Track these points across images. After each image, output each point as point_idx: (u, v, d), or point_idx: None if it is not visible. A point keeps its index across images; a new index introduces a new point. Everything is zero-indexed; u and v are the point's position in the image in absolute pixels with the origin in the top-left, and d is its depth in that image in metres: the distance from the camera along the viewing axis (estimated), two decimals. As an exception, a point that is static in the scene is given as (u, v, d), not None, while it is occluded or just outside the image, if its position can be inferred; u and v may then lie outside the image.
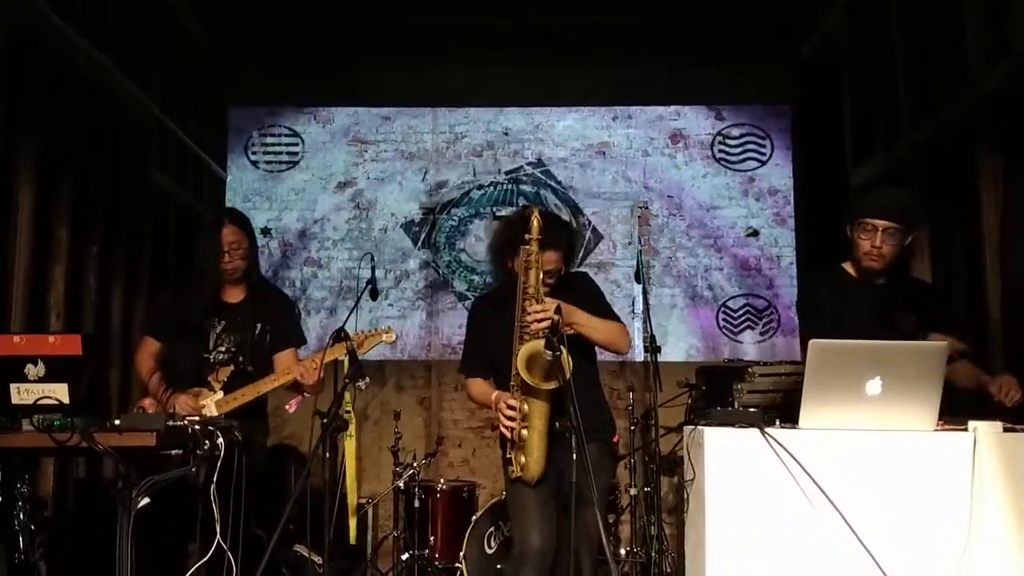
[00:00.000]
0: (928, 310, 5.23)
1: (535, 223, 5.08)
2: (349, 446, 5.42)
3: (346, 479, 5.40)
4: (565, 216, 10.19)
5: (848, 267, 5.40)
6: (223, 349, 5.92)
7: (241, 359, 5.90)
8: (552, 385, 4.87)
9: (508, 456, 5.28)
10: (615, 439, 5.82)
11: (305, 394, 5.85)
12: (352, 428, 5.35)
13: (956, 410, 4.64)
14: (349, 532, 5.35)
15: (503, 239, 5.40)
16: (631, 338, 5.67)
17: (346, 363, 5.34)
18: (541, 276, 5.13)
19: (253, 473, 5.21)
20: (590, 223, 11.06)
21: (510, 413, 5.13)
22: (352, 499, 5.47)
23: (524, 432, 5.09)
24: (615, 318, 5.53)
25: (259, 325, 5.98)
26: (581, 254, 10.58)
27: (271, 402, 6.08)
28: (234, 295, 6.05)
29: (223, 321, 5.96)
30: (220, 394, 5.70)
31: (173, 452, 4.67)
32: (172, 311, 6.02)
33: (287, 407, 5.95)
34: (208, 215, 6.24)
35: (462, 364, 5.75)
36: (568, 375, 4.78)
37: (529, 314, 5.02)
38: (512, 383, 5.16)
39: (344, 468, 5.52)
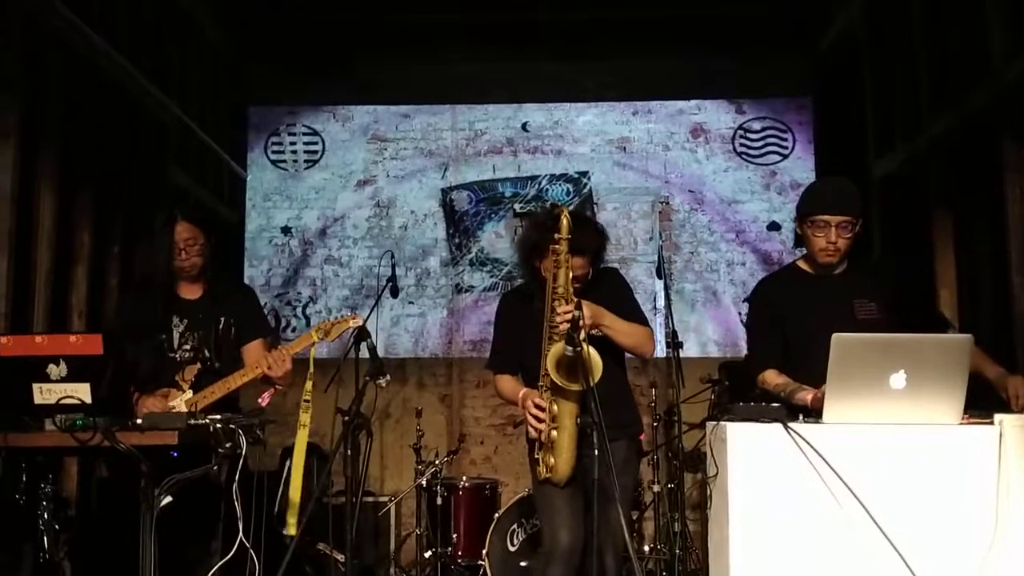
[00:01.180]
0: (888, 294, 5.19)
1: (565, 223, 5.04)
2: (301, 436, 5.37)
3: (291, 473, 5.36)
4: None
5: (803, 264, 5.35)
6: (188, 347, 5.77)
7: (207, 356, 5.77)
8: (581, 386, 4.84)
9: (536, 456, 5.27)
10: (641, 437, 5.80)
11: (277, 387, 5.70)
12: (305, 418, 5.32)
13: (975, 400, 4.60)
14: (287, 526, 5.28)
15: (532, 239, 5.37)
16: (655, 343, 5.63)
17: (313, 357, 5.35)
18: (570, 277, 5.10)
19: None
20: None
21: (538, 413, 5.12)
22: (295, 492, 5.40)
23: (554, 433, 5.08)
24: (642, 318, 5.51)
25: (222, 319, 5.84)
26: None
27: (290, 401, 6.04)
28: (192, 291, 5.89)
29: (185, 319, 5.80)
30: (189, 393, 5.54)
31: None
32: (131, 314, 5.89)
33: (260, 400, 5.87)
34: (162, 212, 6.10)
35: (490, 360, 5.73)
36: (598, 375, 4.79)
37: (559, 315, 5.00)
38: (541, 384, 5.15)
39: (365, 465, 5.49)
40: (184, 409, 5.43)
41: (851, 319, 5.02)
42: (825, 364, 4.31)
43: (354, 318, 5.72)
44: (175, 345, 5.79)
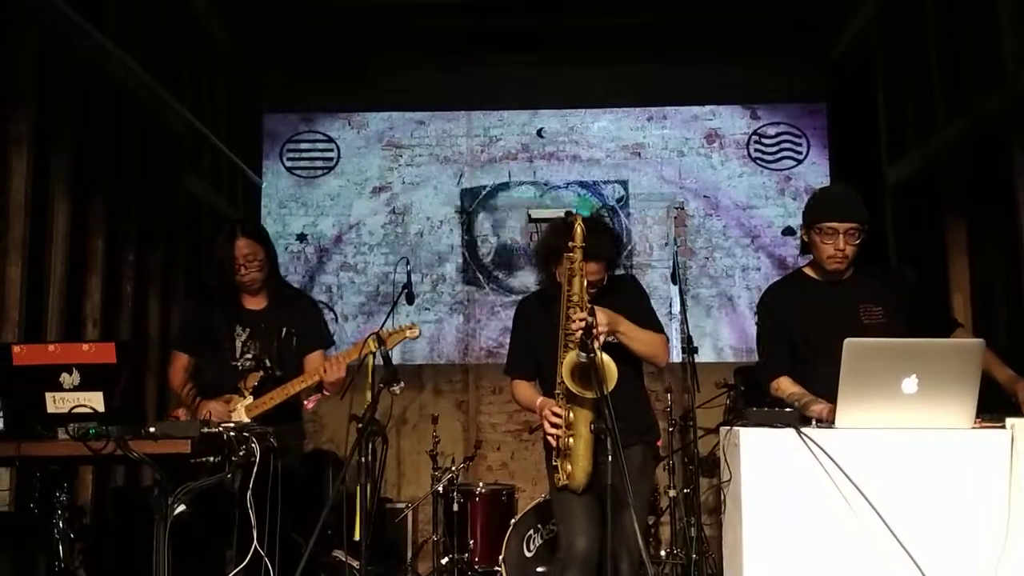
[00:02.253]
0: (893, 298, 5.18)
1: (579, 231, 5.04)
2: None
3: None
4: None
5: (809, 270, 5.32)
6: (250, 356, 5.92)
7: (268, 364, 5.91)
8: (596, 394, 4.83)
9: (554, 464, 5.26)
10: (658, 443, 5.79)
11: (325, 392, 5.86)
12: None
13: (990, 404, 4.58)
14: (354, 530, 5.29)
15: (548, 246, 5.38)
16: (670, 350, 5.62)
17: (369, 369, 5.33)
18: (585, 284, 5.11)
19: (290, 476, 5.22)
20: (625, 226, 11.06)
21: (556, 420, 5.12)
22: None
23: (570, 440, 5.08)
24: (658, 326, 5.48)
25: (284, 329, 5.99)
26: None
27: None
28: (256, 302, 6.05)
29: (248, 328, 5.96)
30: (250, 399, 5.70)
31: (207, 459, 4.67)
32: (196, 323, 6.06)
33: (305, 404, 5.95)
34: (225, 227, 6.23)
35: (507, 365, 5.73)
36: (613, 382, 4.78)
37: (574, 322, 4.99)
38: (557, 391, 5.15)
39: (380, 471, 5.49)
40: (243, 414, 5.63)
41: (857, 324, 4.99)
42: (831, 369, 4.31)
43: (411, 328, 5.81)
44: (237, 354, 5.95)
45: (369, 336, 5.45)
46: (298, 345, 6.03)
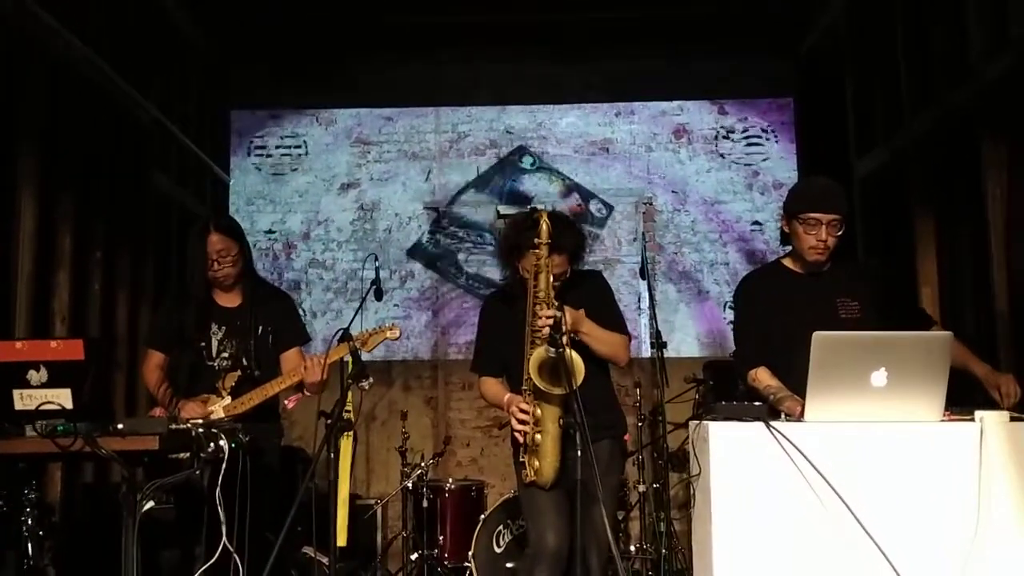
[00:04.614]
0: (868, 292, 5.19)
1: (544, 227, 5.04)
2: (346, 446, 5.37)
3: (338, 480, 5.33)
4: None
5: (788, 262, 5.32)
6: (226, 355, 5.86)
7: (245, 363, 5.85)
8: (563, 390, 4.83)
9: (521, 460, 5.27)
10: (626, 437, 5.79)
11: (305, 392, 5.78)
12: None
13: (957, 397, 4.60)
14: (337, 534, 5.27)
15: (511, 241, 5.37)
16: (639, 345, 5.61)
17: (350, 363, 5.30)
18: (551, 281, 5.10)
19: (267, 475, 5.21)
20: (608, 207, 11.08)
21: (523, 417, 5.12)
22: (343, 499, 5.39)
23: (538, 436, 5.08)
24: (620, 326, 5.50)
25: (260, 327, 5.92)
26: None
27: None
28: (231, 300, 5.98)
29: (223, 327, 5.89)
30: (228, 399, 5.65)
31: (182, 456, 4.65)
32: (171, 321, 5.98)
33: (286, 403, 5.91)
34: (198, 222, 6.18)
35: (474, 362, 5.72)
36: (580, 378, 4.78)
37: (540, 318, 4.98)
38: (524, 387, 5.14)
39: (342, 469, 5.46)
40: (222, 415, 5.59)
41: (834, 318, 5.01)
42: (807, 363, 4.31)
43: (392, 329, 5.79)
44: (213, 353, 5.89)
45: (341, 333, 5.43)
46: (275, 343, 5.97)
